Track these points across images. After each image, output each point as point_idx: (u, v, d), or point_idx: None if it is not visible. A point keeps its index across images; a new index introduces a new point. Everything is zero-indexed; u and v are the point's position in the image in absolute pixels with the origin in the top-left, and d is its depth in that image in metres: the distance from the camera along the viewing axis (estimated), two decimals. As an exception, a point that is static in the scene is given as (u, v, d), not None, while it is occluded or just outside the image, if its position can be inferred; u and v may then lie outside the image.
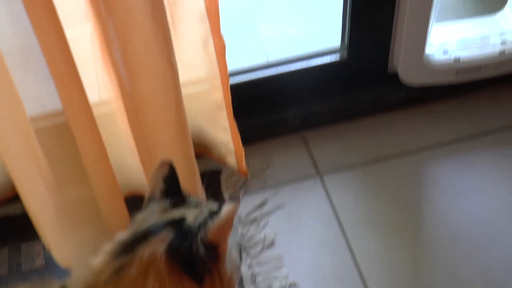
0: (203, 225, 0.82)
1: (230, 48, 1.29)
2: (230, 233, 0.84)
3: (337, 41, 1.61)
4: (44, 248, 1.37)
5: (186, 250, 0.81)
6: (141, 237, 0.82)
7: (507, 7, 1.66)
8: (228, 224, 0.83)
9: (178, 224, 0.83)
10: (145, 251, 0.80)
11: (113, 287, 0.80)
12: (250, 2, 2.06)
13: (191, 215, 0.85)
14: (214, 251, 0.83)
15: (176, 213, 0.86)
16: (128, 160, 1.38)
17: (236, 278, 0.89)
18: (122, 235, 0.85)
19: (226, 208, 0.82)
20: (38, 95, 1.20)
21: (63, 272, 1.33)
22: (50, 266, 1.36)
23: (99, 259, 0.83)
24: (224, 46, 1.25)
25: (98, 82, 1.26)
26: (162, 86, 1.16)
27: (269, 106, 1.59)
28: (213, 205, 0.89)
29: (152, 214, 0.87)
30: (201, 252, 0.81)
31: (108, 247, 0.84)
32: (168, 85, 1.16)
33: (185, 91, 1.25)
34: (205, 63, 1.31)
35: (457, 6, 1.95)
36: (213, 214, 0.84)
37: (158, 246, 0.81)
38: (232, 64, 1.36)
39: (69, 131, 1.19)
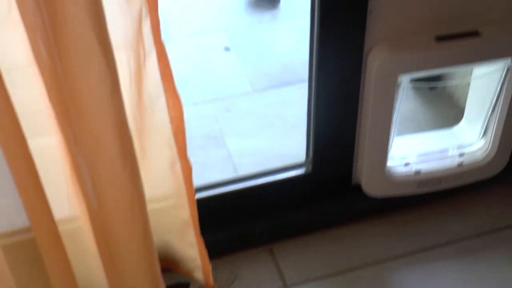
0: None
1: (198, 160, 1.34)
2: None
3: (303, 151, 1.67)
4: None
5: None
6: None
7: (464, 120, 1.74)
8: None
9: None
10: None
11: None
12: (219, 115, 2.14)
13: None
14: None
15: None
16: (94, 277, 1.39)
17: None
18: None
19: None
20: (5, 211, 1.21)
21: None
22: None
23: None
24: (191, 169, 1.31)
25: (65, 198, 1.28)
26: (129, 206, 1.19)
27: (237, 219, 1.63)
28: None
29: None
30: None
31: None
32: (135, 206, 1.19)
33: (152, 206, 1.29)
34: (173, 183, 1.35)
35: (417, 117, 2.03)
36: None
37: None
38: (200, 177, 1.41)
39: (36, 248, 1.20)
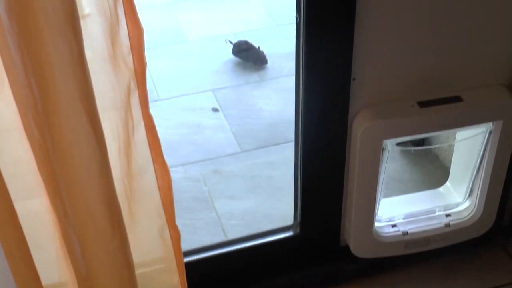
0: None
1: (187, 222, 1.35)
2: None
3: (291, 212, 1.68)
4: None
5: None
6: None
7: (449, 181, 1.76)
8: None
9: None
10: None
11: None
12: (207, 177, 2.15)
13: None
14: None
15: None
16: None
17: None
18: None
19: None
20: None
21: None
22: None
23: None
24: (179, 236, 1.31)
25: (53, 263, 1.28)
26: (117, 273, 1.20)
27: (226, 282, 1.63)
28: None
29: None
30: None
31: None
32: (123, 273, 1.20)
33: (141, 271, 1.30)
34: (161, 249, 1.36)
35: (403, 178, 2.06)
36: None
37: None
38: (189, 239, 1.42)
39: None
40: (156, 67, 2.75)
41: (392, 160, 1.85)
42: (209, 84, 2.69)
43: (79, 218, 1.12)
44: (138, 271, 1.27)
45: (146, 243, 1.37)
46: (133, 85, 1.12)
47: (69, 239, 1.17)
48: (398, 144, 1.56)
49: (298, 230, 1.66)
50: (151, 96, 1.16)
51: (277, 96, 2.61)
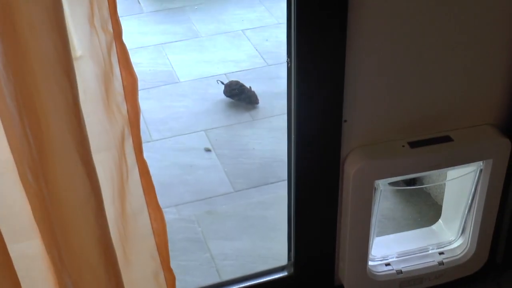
0: None
1: (181, 263, 1.35)
2: None
3: (285, 252, 1.68)
4: None
5: None
6: None
7: (441, 219, 1.77)
8: None
9: None
10: None
11: None
12: (200, 217, 2.16)
13: None
14: None
15: None
16: None
17: None
18: None
19: None
20: None
21: None
22: None
23: None
24: (174, 279, 1.32)
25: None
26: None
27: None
28: None
29: None
30: None
31: None
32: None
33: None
34: (157, 292, 1.37)
35: (396, 216, 2.07)
36: None
37: None
38: (183, 281, 1.42)
39: None
40: (148, 107, 2.76)
41: (384, 199, 1.86)
42: (201, 124, 2.70)
43: (74, 262, 1.12)
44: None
45: (141, 286, 1.37)
46: (127, 131, 1.14)
47: (64, 284, 1.17)
48: (390, 183, 1.57)
49: (292, 270, 1.66)
50: (143, 136, 1.17)
51: (269, 135, 2.63)
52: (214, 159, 2.48)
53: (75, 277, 1.15)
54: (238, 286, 1.64)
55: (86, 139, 1.01)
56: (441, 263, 1.69)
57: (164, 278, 1.34)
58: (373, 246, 1.66)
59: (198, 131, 2.66)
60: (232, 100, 2.84)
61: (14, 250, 1.07)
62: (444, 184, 1.77)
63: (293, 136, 1.47)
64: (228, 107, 2.83)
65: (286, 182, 1.60)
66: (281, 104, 2.39)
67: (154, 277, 1.35)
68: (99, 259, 1.12)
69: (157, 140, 2.60)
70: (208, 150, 2.53)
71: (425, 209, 2.07)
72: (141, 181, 1.21)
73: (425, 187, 2.13)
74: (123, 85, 1.09)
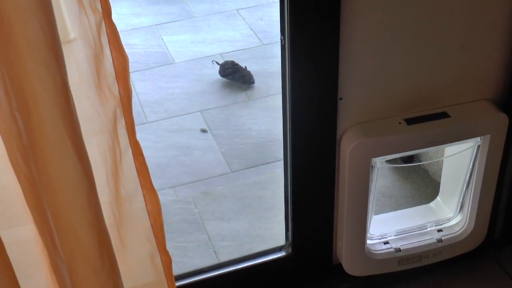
0: None
1: (178, 245, 1.34)
2: None
3: (282, 232, 1.67)
4: None
5: None
6: None
7: (440, 196, 1.76)
8: None
9: None
10: None
11: None
12: (197, 198, 2.15)
13: None
14: None
15: None
16: None
17: None
18: None
19: None
20: None
21: None
22: None
23: None
24: (171, 261, 1.31)
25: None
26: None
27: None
28: None
29: None
30: None
31: None
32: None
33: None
34: (153, 274, 1.35)
35: (394, 194, 2.06)
36: None
37: None
38: (181, 262, 1.41)
39: None
40: (143, 89, 2.75)
41: (381, 177, 1.85)
42: (197, 105, 2.69)
43: (67, 246, 1.11)
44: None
45: (137, 269, 1.36)
46: (119, 112, 1.12)
47: (58, 268, 1.16)
48: (387, 161, 1.56)
49: (290, 250, 1.65)
50: (138, 118, 1.16)
51: (265, 115, 2.61)
52: (210, 139, 2.47)
53: (68, 261, 1.13)
54: (236, 267, 1.63)
55: (76, 121, 0.99)
56: (439, 241, 1.68)
57: (161, 260, 1.33)
58: (371, 225, 1.65)
59: (193, 112, 2.64)
60: (228, 80, 2.82)
61: (6, 235, 1.05)
62: (442, 161, 1.76)
63: (288, 115, 1.46)
64: (223, 87, 2.81)
65: (282, 162, 1.58)
66: (277, 84, 2.36)
67: (150, 260, 1.33)
68: (93, 243, 1.10)
69: (152, 121, 2.59)
70: (204, 131, 2.52)
71: (423, 186, 2.07)
72: (135, 163, 1.19)
73: (422, 164, 2.12)
74: (114, 66, 1.07)
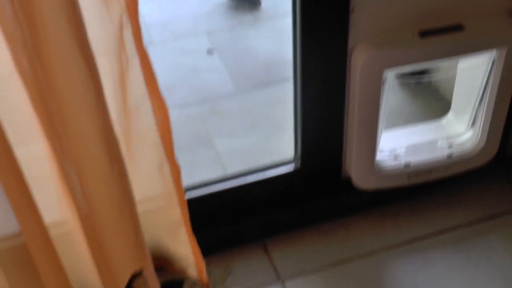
0: None
1: (187, 161, 1.33)
2: None
3: (291, 149, 1.66)
4: None
5: None
6: None
7: (451, 112, 1.74)
8: None
9: None
10: None
11: None
12: (205, 117, 2.13)
13: None
14: None
15: None
16: (89, 279, 1.38)
17: None
18: None
19: None
20: None
21: None
22: None
23: None
24: (179, 170, 1.30)
25: (54, 202, 1.27)
26: (118, 208, 1.19)
27: (228, 217, 1.63)
28: None
29: None
30: None
31: None
32: (124, 208, 1.19)
33: (143, 207, 1.29)
34: (162, 184, 1.35)
35: (404, 110, 2.04)
36: None
37: None
38: (189, 177, 1.41)
39: (28, 252, 1.19)
40: (149, 11, 2.69)
41: (392, 93, 1.82)
42: (203, 26, 2.64)
43: (76, 153, 1.10)
44: (139, 208, 1.26)
45: (146, 180, 1.36)
46: (125, 19, 1.09)
47: (68, 177, 1.15)
48: (398, 77, 1.53)
49: (299, 163, 1.64)
50: (144, 39, 1.13)
51: (273, 36, 2.57)
52: (217, 60, 2.44)
53: (78, 169, 1.13)
54: (245, 180, 1.62)
55: (82, 26, 0.97)
56: (449, 156, 1.67)
57: (169, 169, 1.32)
58: (381, 140, 1.64)
59: (200, 33, 2.60)
60: (234, 2, 2.76)
61: (18, 150, 1.05)
62: (454, 78, 1.73)
63: (298, 27, 1.42)
64: (230, 9, 2.76)
65: (290, 83, 1.55)
66: (284, 5, 2.33)
67: (159, 169, 1.33)
68: (101, 148, 1.09)
69: (158, 43, 2.55)
70: (210, 52, 2.48)
71: (433, 103, 2.04)
72: (142, 71, 1.17)
73: (433, 83, 2.09)
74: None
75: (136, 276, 0.90)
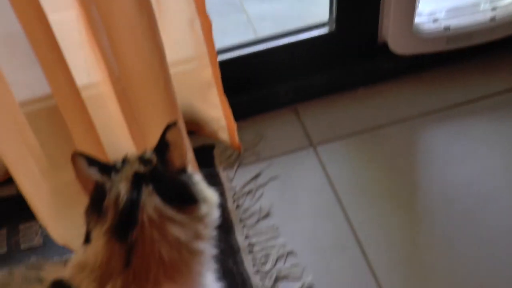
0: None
1: (218, 26, 1.29)
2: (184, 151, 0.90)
3: (326, 15, 1.60)
4: (41, 227, 1.37)
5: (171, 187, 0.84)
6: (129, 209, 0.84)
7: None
8: (177, 145, 0.89)
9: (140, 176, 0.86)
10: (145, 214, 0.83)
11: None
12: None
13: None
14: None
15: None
16: (120, 140, 1.38)
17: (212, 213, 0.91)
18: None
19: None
20: (26, 80, 1.21)
21: (61, 250, 1.34)
22: (48, 244, 1.37)
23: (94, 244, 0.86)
24: (211, 26, 1.26)
25: (86, 65, 1.26)
26: (149, 66, 1.17)
27: (260, 81, 1.60)
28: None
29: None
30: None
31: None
32: (155, 65, 1.17)
33: (174, 69, 1.26)
34: (193, 42, 1.32)
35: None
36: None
37: (151, 202, 0.83)
38: (221, 42, 1.37)
39: (60, 114, 1.21)
40: None
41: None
42: None
43: (108, 11, 1.07)
44: (171, 71, 1.23)
45: (177, 39, 1.33)
46: None
47: (99, 38, 1.14)
48: None
49: (333, 26, 1.58)
50: None
51: None
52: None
53: (106, 22, 1.09)
54: (277, 43, 1.57)
55: None
56: (493, 19, 1.59)
57: (200, 24, 1.27)
58: (420, 2, 1.56)
59: None
60: None
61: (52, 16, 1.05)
62: None
63: None
64: None
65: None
66: None
67: (189, 24, 1.29)
68: (132, 2, 1.06)
69: None
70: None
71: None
72: None
73: None
74: None
75: (169, 127, 0.89)
